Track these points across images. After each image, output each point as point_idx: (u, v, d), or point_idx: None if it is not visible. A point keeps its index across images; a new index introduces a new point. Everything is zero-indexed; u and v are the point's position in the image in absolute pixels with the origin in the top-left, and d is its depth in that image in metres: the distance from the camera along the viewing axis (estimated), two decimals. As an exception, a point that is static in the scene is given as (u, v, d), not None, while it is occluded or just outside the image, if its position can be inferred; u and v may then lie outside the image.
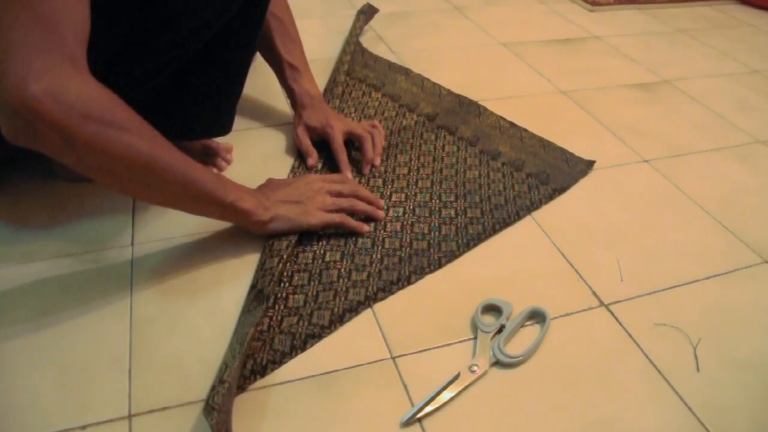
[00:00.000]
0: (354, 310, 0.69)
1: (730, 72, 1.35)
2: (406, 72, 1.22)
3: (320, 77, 1.18)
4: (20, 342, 0.63)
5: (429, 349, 0.66)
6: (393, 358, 0.64)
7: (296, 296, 0.70)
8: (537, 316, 0.70)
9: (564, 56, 1.37)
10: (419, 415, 0.58)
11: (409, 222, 0.82)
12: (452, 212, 0.85)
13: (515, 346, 0.66)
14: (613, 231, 0.85)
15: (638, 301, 0.74)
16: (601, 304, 0.73)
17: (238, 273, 0.73)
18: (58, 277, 0.71)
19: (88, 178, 0.85)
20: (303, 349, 0.64)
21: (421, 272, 0.75)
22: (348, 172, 0.89)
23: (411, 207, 0.85)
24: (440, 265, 0.76)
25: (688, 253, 0.82)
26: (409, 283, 0.74)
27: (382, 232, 0.80)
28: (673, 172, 0.98)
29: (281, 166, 0.93)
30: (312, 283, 0.72)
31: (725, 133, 1.11)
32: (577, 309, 0.72)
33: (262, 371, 0.61)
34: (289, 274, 0.73)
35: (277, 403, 0.59)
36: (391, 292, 0.72)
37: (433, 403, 0.59)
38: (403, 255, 0.77)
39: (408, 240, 0.79)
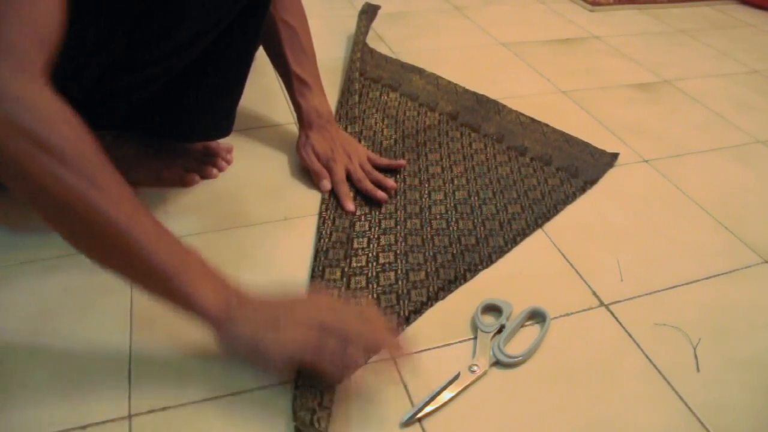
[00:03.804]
0: (419, 311, 0.69)
1: (730, 72, 1.35)
2: (420, 71, 1.23)
3: (322, 77, 1.18)
4: (20, 342, 0.64)
5: (429, 349, 0.66)
6: (393, 358, 0.64)
7: (357, 299, 0.70)
8: (537, 316, 0.70)
9: (564, 56, 1.37)
10: (419, 415, 0.58)
11: (454, 219, 0.83)
12: (493, 208, 0.86)
13: (515, 346, 0.66)
14: (613, 231, 0.85)
15: (638, 301, 0.74)
16: (601, 304, 0.73)
17: (240, 273, 0.73)
18: (58, 278, 0.71)
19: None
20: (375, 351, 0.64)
21: (474, 269, 0.76)
22: (350, 204, 0.83)
23: (452, 204, 0.86)
24: (492, 261, 0.77)
25: (688, 253, 0.82)
26: (465, 280, 0.74)
27: (429, 229, 0.81)
28: (673, 172, 0.98)
29: (281, 166, 0.93)
30: (370, 285, 0.72)
31: (725, 133, 1.11)
32: (577, 309, 0.72)
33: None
34: (347, 276, 0.72)
35: (276, 403, 0.59)
36: (450, 291, 0.73)
37: (433, 403, 0.59)
38: (455, 252, 0.77)
39: (456, 236, 0.80)
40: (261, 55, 0.98)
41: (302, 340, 0.55)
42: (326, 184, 0.87)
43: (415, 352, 0.65)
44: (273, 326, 0.55)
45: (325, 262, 0.73)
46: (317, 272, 0.72)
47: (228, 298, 0.56)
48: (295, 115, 0.95)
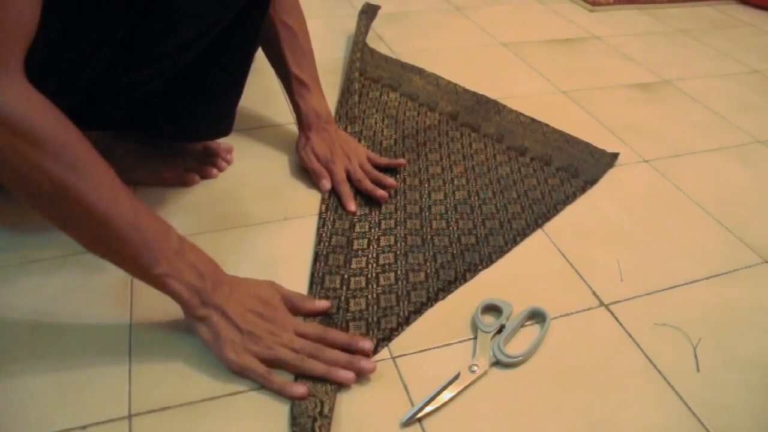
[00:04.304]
0: (419, 311, 0.69)
1: (730, 72, 1.35)
2: (420, 71, 1.23)
3: (322, 77, 1.18)
4: (20, 342, 0.63)
5: (429, 349, 0.66)
6: (393, 358, 0.64)
7: (357, 300, 0.70)
8: (537, 316, 0.70)
9: (564, 56, 1.37)
10: (419, 415, 0.58)
11: (453, 219, 0.83)
12: (493, 208, 0.86)
13: (515, 346, 0.66)
14: (613, 231, 0.85)
15: (638, 301, 0.74)
16: (601, 304, 0.73)
17: (240, 274, 0.73)
18: (58, 278, 0.71)
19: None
20: (375, 352, 0.64)
21: (474, 269, 0.76)
22: (351, 204, 0.84)
23: (452, 204, 0.86)
24: (492, 261, 0.77)
25: (688, 253, 0.82)
26: (465, 281, 0.74)
27: (429, 230, 0.81)
28: (673, 172, 0.98)
29: (281, 166, 0.93)
30: (370, 286, 0.72)
31: (725, 133, 1.11)
32: (577, 309, 0.72)
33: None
34: (347, 284, 0.72)
35: (276, 404, 0.59)
36: (450, 292, 0.73)
37: (433, 403, 0.59)
38: (455, 251, 0.77)
39: (456, 236, 0.80)
40: (261, 56, 0.98)
41: (253, 368, 0.60)
42: (326, 184, 0.87)
43: (416, 352, 0.65)
44: (232, 343, 0.60)
45: (325, 269, 0.73)
46: (317, 278, 0.72)
47: (203, 283, 0.61)
48: (293, 110, 0.95)
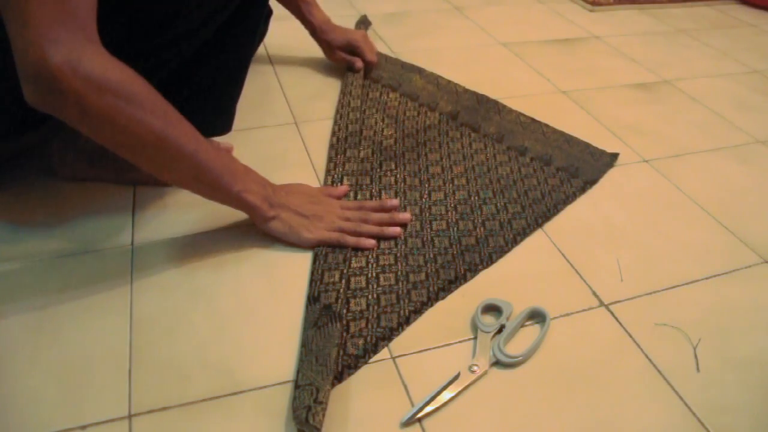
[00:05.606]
0: (419, 311, 0.69)
1: (730, 72, 1.35)
2: (420, 71, 1.23)
3: (323, 77, 1.18)
4: (20, 342, 0.64)
5: (429, 349, 0.66)
6: (393, 358, 0.64)
7: (357, 300, 0.70)
8: (537, 316, 0.70)
9: (564, 56, 1.37)
10: (419, 415, 0.58)
11: (454, 219, 0.83)
12: (493, 208, 0.86)
13: (515, 346, 0.66)
14: (613, 231, 0.85)
15: (638, 301, 0.74)
16: (601, 304, 0.73)
17: (239, 273, 0.74)
18: (58, 277, 0.71)
19: (87, 177, 0.85)
20: (375, 351, 0.65)
21: (475, 269, 0.76)
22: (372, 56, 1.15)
23: (452, 204, 0.86)
24: (492, 261, 0.77)
25: (688, 253, 0.82)
26: (465, 280, 0.74)
27: (429, 231, 0.81)
28: (673, 172, 0.98)
29: (281, 165, 0.93)
30: (370, 286, 0.72)
31: (725, 133, 1.11)
32: (577, 309, 0.72)
33: (339, 376, 0.61)
34: (346, 278, 0.72)
35: (276, 403, 0.59)
36: (450, 291, 0.73)
37: (433, 403, 0.59)
38: (455, 252, 0.77)
39: (456, 237, 0.80)
40: (260, 54, 0.98)
41: (327, 237, 0.76)
42: (359, 64, 1.14)
43: (415, 352, 0.65)
44: (305, 226, 0.76)
45: (324, 266, 0.73)
46: (316, 275, 0.72)
47: (267, 191, 0.74)
48: (293, 110, 0.96)
